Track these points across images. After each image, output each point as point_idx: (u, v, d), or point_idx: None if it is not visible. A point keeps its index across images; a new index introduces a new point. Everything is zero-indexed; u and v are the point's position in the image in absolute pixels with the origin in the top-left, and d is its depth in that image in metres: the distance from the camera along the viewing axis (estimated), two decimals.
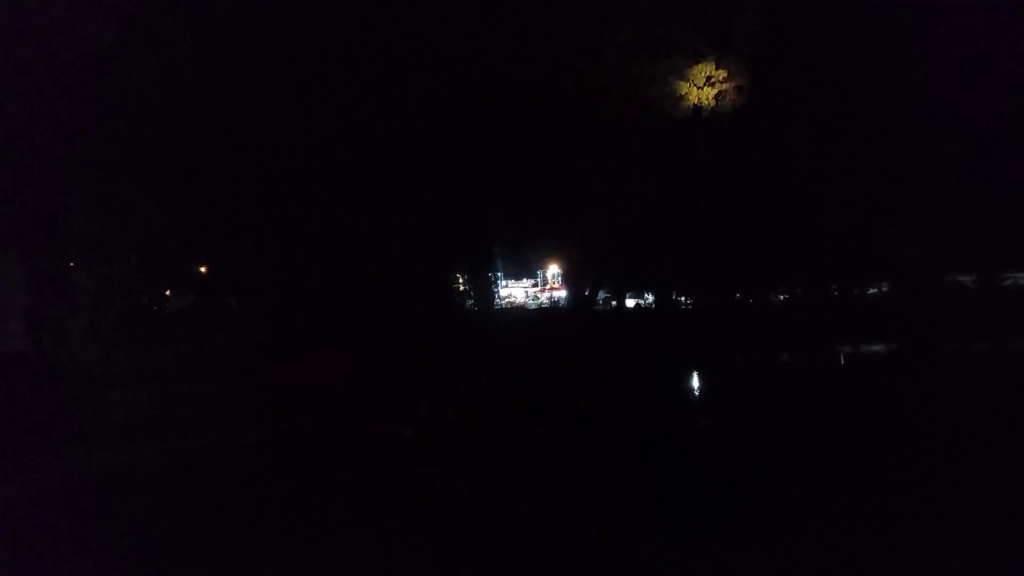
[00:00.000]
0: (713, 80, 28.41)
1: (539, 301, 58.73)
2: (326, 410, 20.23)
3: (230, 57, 16.75)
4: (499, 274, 54.62)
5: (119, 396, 17.49)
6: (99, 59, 13.78)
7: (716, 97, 28.90)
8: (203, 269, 32.47)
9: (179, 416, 18.07)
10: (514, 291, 61.41)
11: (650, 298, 54.55)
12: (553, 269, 57.93)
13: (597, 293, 44.19)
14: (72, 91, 13.80)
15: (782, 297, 57.45)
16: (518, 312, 51.16)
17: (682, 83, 28.16)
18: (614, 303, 50.89)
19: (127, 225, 15.99)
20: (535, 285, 63.07)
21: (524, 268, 59.33)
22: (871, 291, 54.73)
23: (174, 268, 26.67)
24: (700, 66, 28.00)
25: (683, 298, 53.64)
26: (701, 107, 29.01)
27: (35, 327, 17.96)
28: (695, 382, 31.83)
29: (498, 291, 53.94)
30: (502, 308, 51.24)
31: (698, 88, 28.28)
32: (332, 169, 21.81)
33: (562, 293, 55.11)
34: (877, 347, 41.21)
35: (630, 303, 54.04)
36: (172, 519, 12.57)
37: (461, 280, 41.90)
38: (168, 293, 33.20)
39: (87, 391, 17.45)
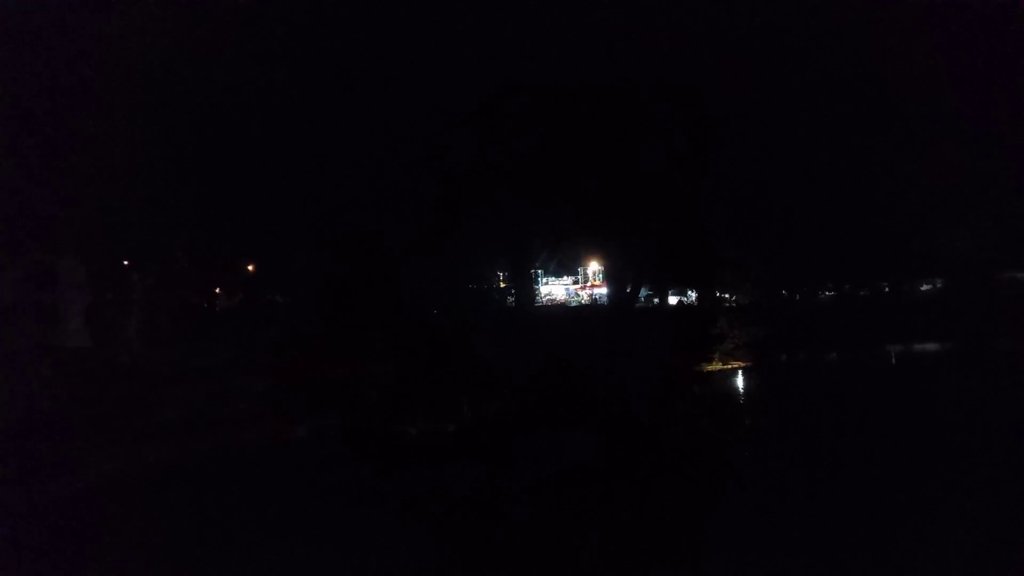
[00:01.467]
0: None
1: (580, 299, 58.43)
2: (371, 406, 20.52)
3: (278, 66, 17.09)
4: (540, 272, 54.51)
5: (173, 392, 18.00)
6: (153, 70, 14.25)
7: None
8: (250, 268, 33.26)
9: (230, 411, 18.52)
10: (554, 289, 61.15)
11: (693, 295, 53.83)
12: (594, 266, 57.59)
13: (639, 290, 43.73)
14: (127, 101, 14.31)
15: (829, 294, 56.15)
16: (559, 310, 50.96)
17: None
18: (656, 300, 50.38)
19: (180, 227, 16.49)
20: (576, 282, 62.74)
21: (565, 265, 59.12)
22: (924, 287, 53.11)
23: (223, 268, 27.34)
24: None
25: (727, 295, 52.78)
26: None
27: (93, 325, 18.58)
28: (739, 381, 31.33)
29: (539, 289, 53.86)
30: (542, 306, 51.11)
31: None
32: (375, 172, 22.08)
33: (603, 290, 54.72)
34: (930, 345, 39.95)
35: (672, 300, 53.40)
36: (222, 509, 12.90)
37: (502, 278, 41.95)
38: (218, 291, 34.10)
39: (142, 387, 17.98)
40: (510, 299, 37.65)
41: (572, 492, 13.93)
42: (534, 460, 17.01)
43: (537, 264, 49.75)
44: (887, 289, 51.96)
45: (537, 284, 52.79)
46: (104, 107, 14.11)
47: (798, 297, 52.27)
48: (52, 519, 12.40)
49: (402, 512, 12.68)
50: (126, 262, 18.70)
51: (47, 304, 17.23)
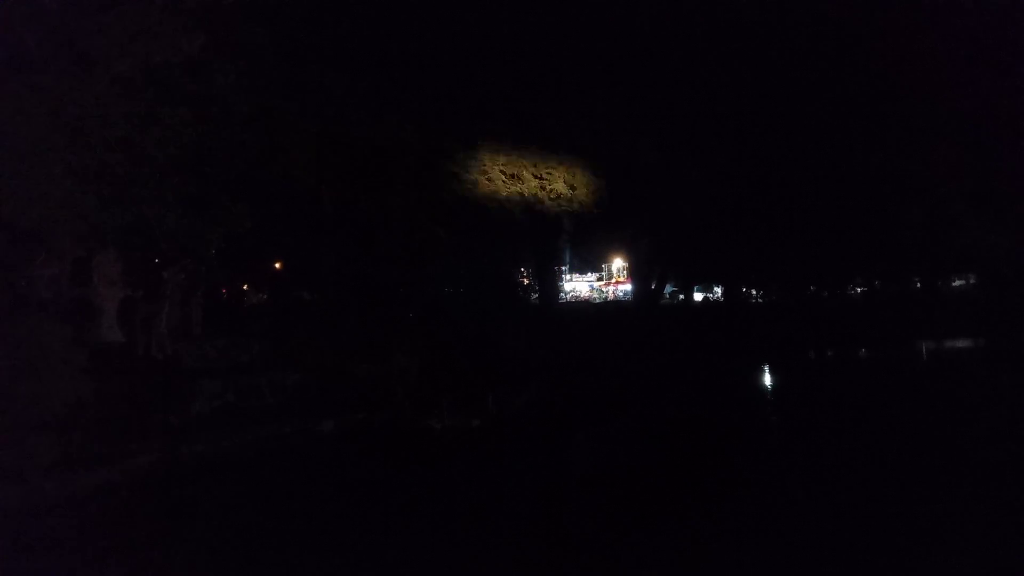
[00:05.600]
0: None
1: (604, 295, 58.29)
2: (397, 401, 20.64)
3: (303, 63, 17.19)
4: (564, 268, 54.46)
5: (204, 386, 18.20)
6: (191, 66, 14.38)
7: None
8: (277, 265, 33.58)
9: (261, 406, 18.70)
10: (578, 285, 61.14)
11: (718, 292, 53.42)
12: (618, 263, 57.35)
13: (663, 287, 43.49)
14: (162, 99, 14.47)
15: (859, 290, 55.30)
16: (583, 306, 50.88)
17: None
18: (681, 297, 50.06)
19: (213, 223, 16.63)
20: (600, 279, 62.66)
21: (589, 262, 58.99)
22: (956, 283, 52.07)
23: (253, 265, 27.61)
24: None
25: (754, 291, 52.26)
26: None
27: (126, 321, 18.81)
28: (767, 379, 30.96)
29: (563, 285, 53.82)
30: (567, 302, 51.04)
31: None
32: (401, 169, 22.14)
33: (627, 287, 54.47)
34: (962, 342, 39.18)
35: (697, 297, 53.04)
36: (253, 504, 13.01)
37: (526, 274, 41.98)
38: (245, 287, 34.50)
39: (174, 381, 18.19)
40: (534, 296, 37.65)
41: (596, 494, 13.82)
42: (557, 460, 16.94)
43: (561, 261, 49.69)
44: (918, 285, 51.07)
45: (561, 281, 52.76)
46: (139, 104, 14.29)
47: (826, 294, 51.54)
48: (87, 510, 12.59)
49: (423, 511, 12.62)
50: (158, 259, 18.91)
51: (81, 300, 17.46)
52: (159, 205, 14.98)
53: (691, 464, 15.70)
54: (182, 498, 13.46)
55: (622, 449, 17.59)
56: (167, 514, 12.61)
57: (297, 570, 10.17)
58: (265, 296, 34.19)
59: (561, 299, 48.78)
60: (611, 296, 56.66)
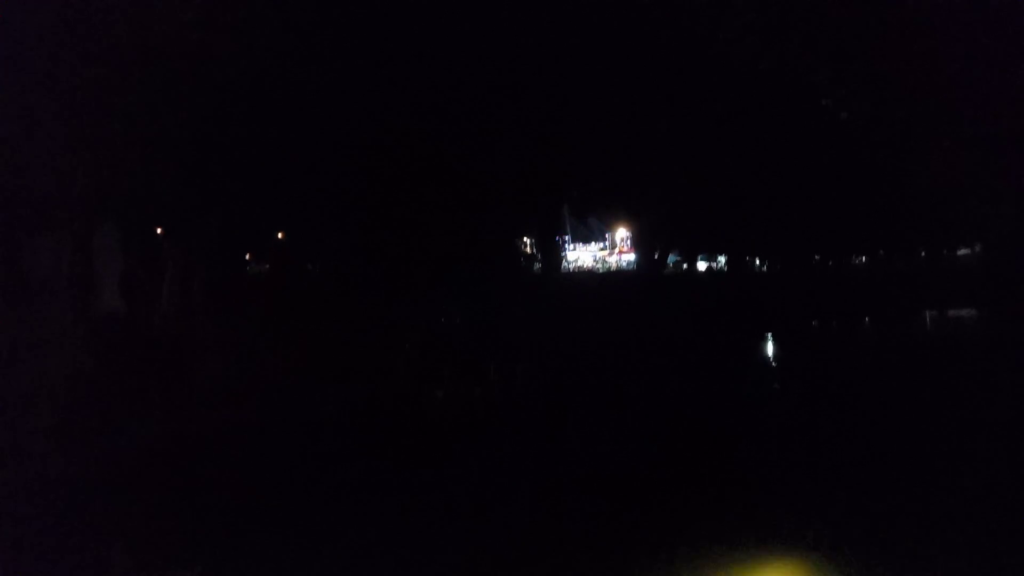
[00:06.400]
0: None
1: (607, 265, 58.17)
2: (400, 371, 20.79)
3: (308, 43, 16.88)
4: (567, 237, 54.26)
5: (206, 359, 18.23)
6: (187, 44, 14.14)
7: None
8: (280, 235, 33.40)
9: (263, 378, 18.73)
10: (582, 255, 60.99)
11: (722, 261, 53.25)
12: (622, 232, 56.99)
13: (667, 256, 43.32)
14: (163, 72, 14.26)
15: (863, 259, 55.05)
16: (586, 276, 50.79)
17: None
18: (684, 266, 49.90)
19: (212, 196, 16.51)
20: (603, 248, 62.45)
21: (592, 231, 58.77)
22: (962, 252, 51.70)
23: (255, 236, 27.42)
24: None
25: (758, 261, 52.08)
26: None
27: (127, 294, 18.80)
28: (768, 349, 31.00)
29: (566, 255, 53.65)
30: (569, 272, 50.96)
31: None
32: (402, 139, 21.93)
33: (631, 256, 54.25)
34: (967, 311, 39.11)
35: (701, 266, 52.92)
36: (258, 478, 13.04)
37: (528, 244, 41.85)
38: (248, 257, 34.33)
39: (176, 354, 18.23)
40: (537, 266, 37.60)
41: (593, 463, 13.80)
42: (556, 427, 16.95)
43: (564, 229, 49.52)
44: (923, 254, 50.85)
45: (564, 251, 52.62)
46: (139, 78, 14.08)
47: (831, 263, 51.35)
48: (87, 485, 12.61)
49: (425, 481, 12.57)
50: (159, 230, 18.86)
51: (82, 274, 17.40)
52: (157, 181, 14.85)
53: (690, 437, 15.68)
54: (183, 472, 13.38)
55: (622, 421, 17.57)
56: (167, 489, 12.53)
57: (301, 546, 10.21)
58: (267, 266, 34.07)
59: (564, 269, 48.68)
60: (614, 266, 56.53)
